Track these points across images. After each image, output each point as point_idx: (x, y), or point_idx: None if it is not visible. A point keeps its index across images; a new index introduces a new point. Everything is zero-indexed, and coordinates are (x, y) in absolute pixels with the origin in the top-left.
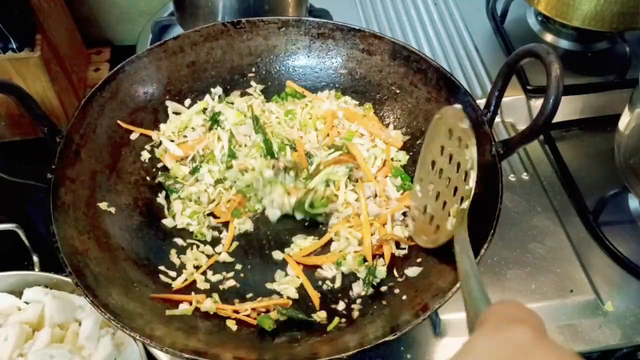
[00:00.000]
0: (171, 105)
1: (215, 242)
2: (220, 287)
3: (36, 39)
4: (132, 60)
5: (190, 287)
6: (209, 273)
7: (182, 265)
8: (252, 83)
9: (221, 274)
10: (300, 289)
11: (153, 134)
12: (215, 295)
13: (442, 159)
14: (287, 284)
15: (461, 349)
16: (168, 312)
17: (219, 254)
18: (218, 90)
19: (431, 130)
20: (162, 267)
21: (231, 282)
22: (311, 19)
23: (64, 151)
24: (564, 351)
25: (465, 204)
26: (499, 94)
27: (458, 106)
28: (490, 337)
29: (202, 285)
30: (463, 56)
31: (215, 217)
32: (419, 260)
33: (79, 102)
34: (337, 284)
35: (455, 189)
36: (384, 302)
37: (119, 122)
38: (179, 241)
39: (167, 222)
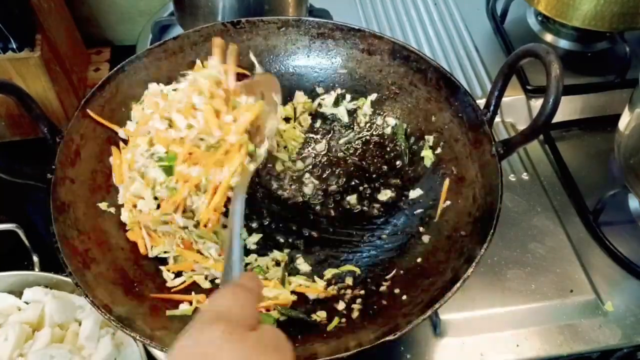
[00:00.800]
0: (150, 88)
1: None
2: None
3: (36, 39)
4: (132, 60)
5: (191, 287)
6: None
7: None
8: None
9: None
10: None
11: (120, 132)
12: None
13: None
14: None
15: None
16: (168, 313)
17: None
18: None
19: (247, 85)
20: (162, 267)
21: None
22: (311, 18)
23: (64, 151)
24: (255, 345)
25: (252, 166)
26: (498, 93)
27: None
28: (187, 339)
29: (203, 285)
30: (463, 56)
31: None
32: (419, 260)
33: (79, 102)
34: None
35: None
36: (384, 302)
37: (88, 110)
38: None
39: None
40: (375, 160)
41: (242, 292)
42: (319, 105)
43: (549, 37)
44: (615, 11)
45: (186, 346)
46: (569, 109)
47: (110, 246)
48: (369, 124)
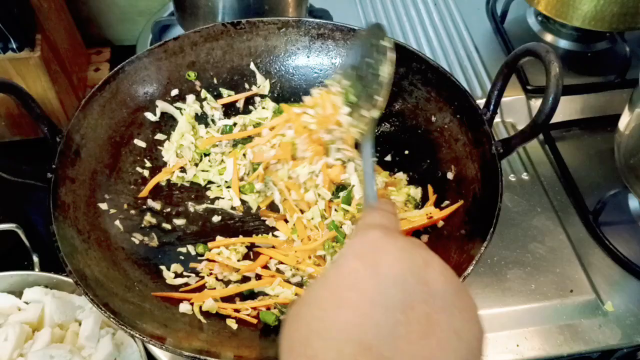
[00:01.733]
0: (161, 106)
1: None
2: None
3: (36, 39)
4: (132, 61)
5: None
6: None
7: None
8: (258, 78)
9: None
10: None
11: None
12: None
13: (364, 68)
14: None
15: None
16: (168, 311)
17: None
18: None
19: (356, 43)
20: (162, 267)
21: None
22: (311, 19)
23: (64, 151)
24: (407, 242)
25: (376, 113)
26: (498, 93)
27: (380, 25)
28: (354, 240)
29: (213, 285)
30: (463, 56)
31: None
32: None
33: (79, 102)
34: None
35: (369, 97)
36: None
37: None
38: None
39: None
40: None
41: (384, 211)
42: None
43: (549, 37)
44: (615, 11)
45: (355, 242)
46: (569, 109)
47: (110, 246)
48: None
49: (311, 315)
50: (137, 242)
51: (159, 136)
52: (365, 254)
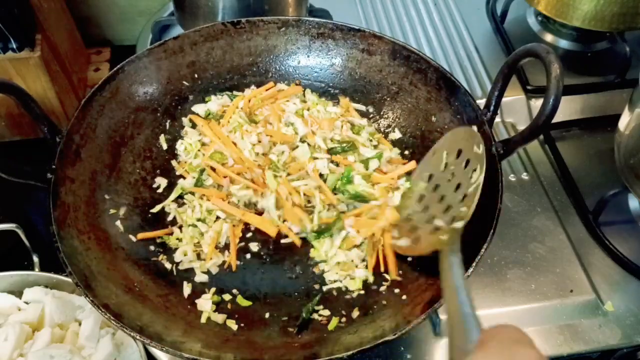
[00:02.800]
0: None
1: None
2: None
3: (36, 39)
4: (132, 60)
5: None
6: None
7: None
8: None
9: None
10: None
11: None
12: (215, 296)
13: (442, 175)
14: None
15: None
16: (168, 312)
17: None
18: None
19: (439, 145)
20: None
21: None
22: (311, 18)
23: (64, 151)
24: None
25: (460, 224)
26: (499, 94)
27: (474, 128)
28: (497, 357)
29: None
30: (463, 56)
31: None
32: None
33: (79, 102)
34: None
35: (448, 208)
36: (384, 302)
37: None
38: None
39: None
40: None
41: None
42: None
43: (549, 37)
44: (615, 11)
45: None
46: (569, 109)
47: (110, 246)
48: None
49: None
50: (137, 242)
51: (161, 137)
52: None
